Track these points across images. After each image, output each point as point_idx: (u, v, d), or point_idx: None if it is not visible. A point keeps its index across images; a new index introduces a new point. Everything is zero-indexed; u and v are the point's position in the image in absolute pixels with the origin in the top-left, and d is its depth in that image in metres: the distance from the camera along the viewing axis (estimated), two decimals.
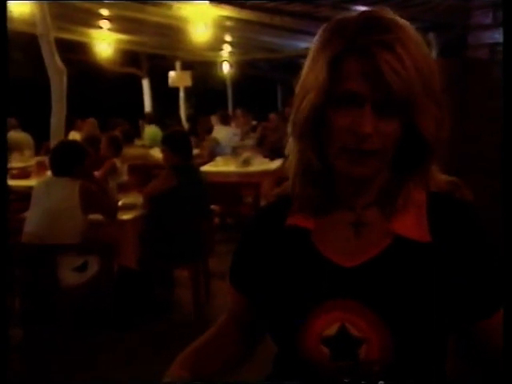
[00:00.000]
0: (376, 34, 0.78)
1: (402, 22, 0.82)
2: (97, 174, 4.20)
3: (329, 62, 0.80)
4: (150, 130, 8.61)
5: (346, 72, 0.80)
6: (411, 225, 0.87)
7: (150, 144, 7.58)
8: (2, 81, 1.23)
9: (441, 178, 0.90)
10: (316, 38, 0.85)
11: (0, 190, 1.30)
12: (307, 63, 0.85)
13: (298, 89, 0.87)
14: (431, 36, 6.92)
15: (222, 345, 1.03)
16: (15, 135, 7.18)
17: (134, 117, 8.97)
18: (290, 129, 0.89)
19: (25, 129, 7.54)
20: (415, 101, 0.79)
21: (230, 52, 11.12)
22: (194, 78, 11.26)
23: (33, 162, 5.94)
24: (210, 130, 7.91)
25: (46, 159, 5.13)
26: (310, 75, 0.83)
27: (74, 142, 4.51)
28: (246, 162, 5.77)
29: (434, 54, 6.89)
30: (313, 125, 0.84)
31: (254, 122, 9.17)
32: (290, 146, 0.90)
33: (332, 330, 0.84)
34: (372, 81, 0.78)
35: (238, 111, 9.52)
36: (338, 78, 0.80)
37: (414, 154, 0.84)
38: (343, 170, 0.83)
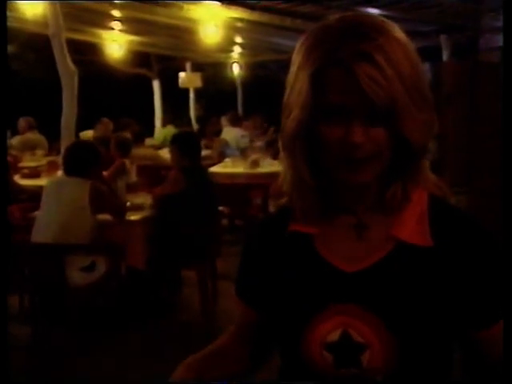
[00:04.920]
0: (354, 43, 0.76)
1: (386, 25, 0.79)
2: (105, 173, 4.22)
3: (310, 77, 0.78)
4: (167, 131, 8.54)
5: (328, 85, 0.78)
6: (413, 230, 0.86)
7: (163, 144, 7.55)
8: (2, 82, 1.23)
9: (432, 177, 0.89)
10: (297, 49, 0.83)
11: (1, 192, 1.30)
12: (290, 76, 0.83)
13: (284, 104, 0.85)
14: (443, 38, 6.89)
15: (228, 356, 1.02)
16: (30, 136, 7.19)
17: (144, 117, 9.00)
18: (280, 144, 0.88)
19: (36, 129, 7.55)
20: (399, 109, 0.77)
21: (240, 53, 11.11)
22: (205, 80, 11.28)
23: (44, 161, 5.96)
24: (219, 131, 7.89)
25: (57, 159, 5.16)
26: (294, 90, 0.82)
27: (88, 142, 4.53)
28: (255, 164, 5.77)
29: (445, 56, 6.87)
30: (302, 140, 0.83)
31: (266, 125, 9.09)
32: (283, 161, 0.89)
33: (335, 336, 0.84)
34: (355, 93, 0.76)
35: (257, 118, 9.20)
36: (321, 91, 0.78)
37: (403, 154, 0.83)
38: (341, 178, 0.83)
